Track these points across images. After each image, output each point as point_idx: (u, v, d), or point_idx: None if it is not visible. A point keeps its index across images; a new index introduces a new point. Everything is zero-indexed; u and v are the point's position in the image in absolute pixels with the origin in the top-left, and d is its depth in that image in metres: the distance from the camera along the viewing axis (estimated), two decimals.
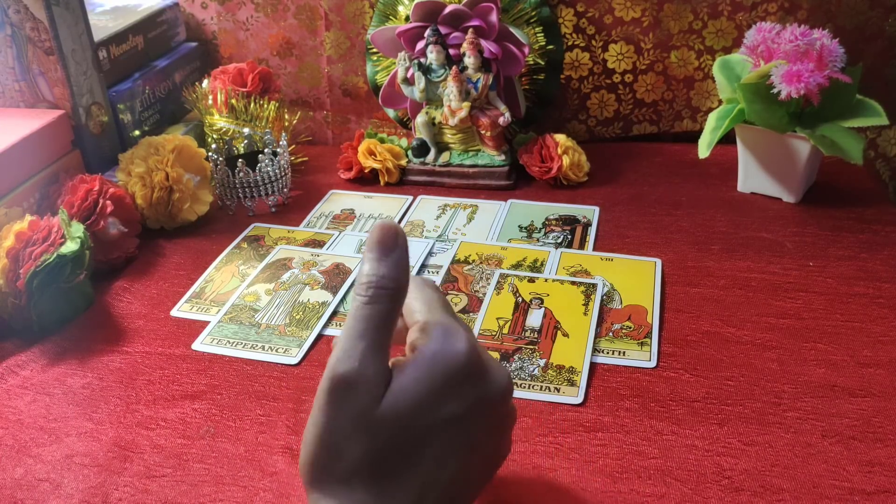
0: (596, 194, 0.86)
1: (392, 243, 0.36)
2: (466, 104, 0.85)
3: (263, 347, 0.63)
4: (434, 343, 0.36)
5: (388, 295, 0.35)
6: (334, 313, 0.67)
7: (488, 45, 0.85)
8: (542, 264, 0.72)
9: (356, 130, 0.98)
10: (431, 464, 0.35)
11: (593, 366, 0.59)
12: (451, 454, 0.36)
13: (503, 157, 0.88)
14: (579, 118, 0.99)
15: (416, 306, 0.39)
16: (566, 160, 0.86)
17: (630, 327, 0.63)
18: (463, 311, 0.66)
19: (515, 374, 0.58)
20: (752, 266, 0.71)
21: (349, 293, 0.70)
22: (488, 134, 0.87)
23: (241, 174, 0.83)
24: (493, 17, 0.85)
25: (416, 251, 0.76)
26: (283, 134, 0.90)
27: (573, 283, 0.69)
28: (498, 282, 0.69)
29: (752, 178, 0.83)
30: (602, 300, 0.66)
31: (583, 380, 0.57)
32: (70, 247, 0.66)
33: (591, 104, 0.98)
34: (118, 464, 0.52)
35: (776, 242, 0.75)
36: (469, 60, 0.84)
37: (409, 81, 0.87)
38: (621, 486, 0.49)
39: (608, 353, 0.60)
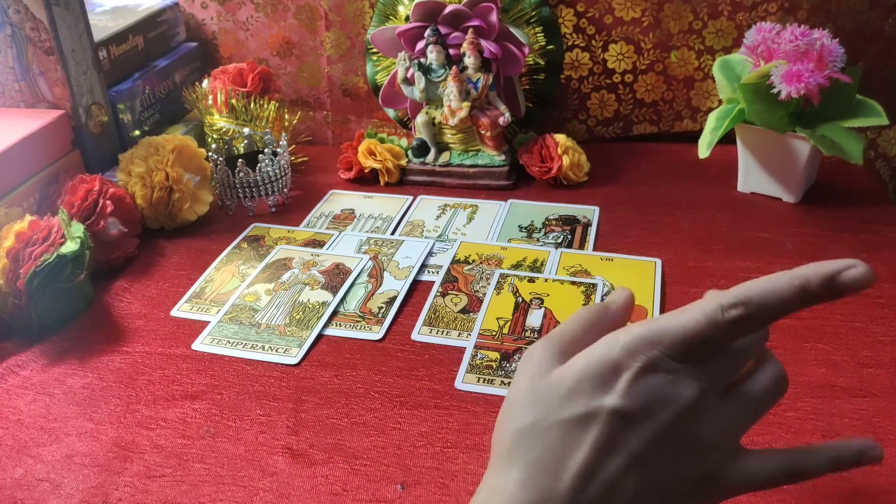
0: (596, 194, 0.86)
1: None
2: (466, 104, 0.85)
3: (263, 347, 0.63)
4: (620, 331, 0.38)
5: (591, 308, 0.41)
6: (334, 313, 0.67)
7: (488, 45, 0.85)
8: (542, 264, 0.72)
9: (356, 130, 0.98)
10: (593, 451, 0.35)
11: None
12: (612, 452, 0.35)
13: (503, 157, 0.88)
14: (579, 118, 0.99)
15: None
16: (566, 160, 0.86)
17: None
18: (463, 310, 0.66)
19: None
20: (752, 266, 0.71)
21: (349, 293, 0.70)
22: (488, 134, 0.87)
23: (241, 174, 0.83)
24: (493, 17, 0.85)
25: (417, 251, 0.76)
26: (283, 134, 0.90)
27: (573, 283, 0.69)
28: (498, 282, 0.69)
29: (752, 178, 0.83)
30: (602, 300, 0.66)
31: None
32: (70, 247, 0.66)
33: (591, 104, 0.98)
34: (118, 464, 0.52)
35: (776, 242, 0.75)
36: (469, 60, 0.84)
37: (409, 81, 0.87)
38: None
39: None
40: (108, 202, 0.75)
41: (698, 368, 0.36)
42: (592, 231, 0.78)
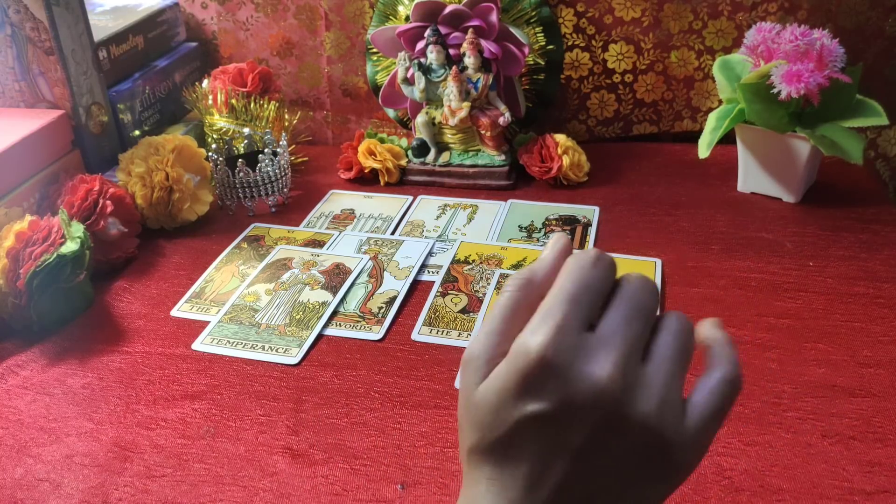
0: (596, 194, 0.86)
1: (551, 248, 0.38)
2: (466, 104, 0.85)
3: (263, 347, 0.63)
4: (521, 335, 0.36)
5: (514, 286, 0.38)
6: (334, 313, 0.67)
7: (488, 45, 0.85)
8: None
9: (356, 130, 0.98)
10: (535, 459, 0.35)
11: None
12: (553, 455, 0.35)
13: (503, 157, 0.88)
14: (579, 118, 0.99)
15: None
16: (566, 160, 0.86)
17: None
18: (463, 310, 0.66)
19: None
20: (752, 266, 0.71)
21: (349, 293, 0.70)
22: (488, 134, 0.87)
23: (241, 174, 0.83)
24: (493, 17, 0.85)
25: (417, 251, 0.76)
26: (283, 134, 0.90)
27: None
28: (498, 282, 0.69)
29: (752, 178, 0.83)
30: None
31: None
32: (70, 247, 0.66)
33: (591, 104, 0.98)
34: (118, 464, 0.52)
35: (776, 242, 0.75)
36: (469, 60, 0.84)
37: (409, 81, 0.87)
38: None
39: None
40: (108, 202, 0.75)
41: (607, 336, 0.35)
42: (592, 231, 0.78)
